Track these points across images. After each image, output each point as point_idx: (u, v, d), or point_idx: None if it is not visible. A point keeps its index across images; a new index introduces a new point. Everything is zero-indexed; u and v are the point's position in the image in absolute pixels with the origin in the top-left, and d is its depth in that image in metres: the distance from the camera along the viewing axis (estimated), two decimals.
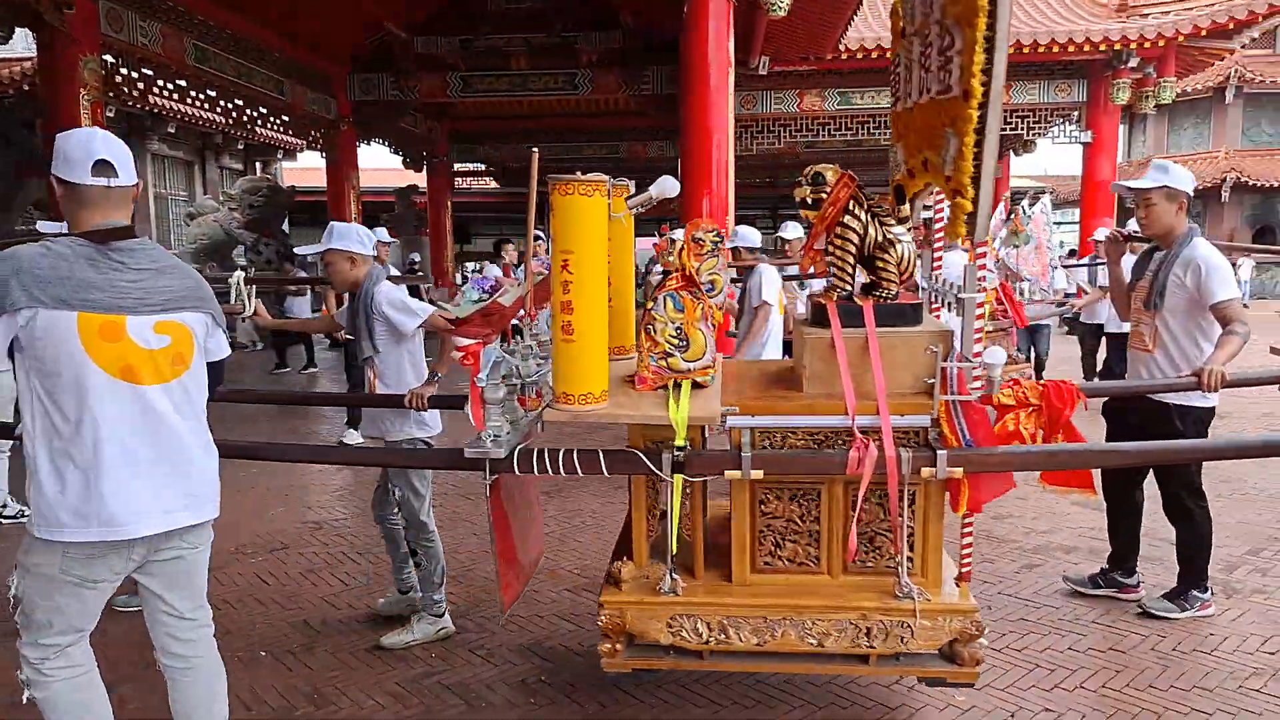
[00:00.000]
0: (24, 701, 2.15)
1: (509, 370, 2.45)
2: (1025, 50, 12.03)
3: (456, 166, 18.36)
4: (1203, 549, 3.47)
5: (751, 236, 5.63)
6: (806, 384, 2.52)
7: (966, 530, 2.59)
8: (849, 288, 2.60)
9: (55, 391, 2.01)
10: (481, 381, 2.41)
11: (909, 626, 2.44)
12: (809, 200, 2.61)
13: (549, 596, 3.85)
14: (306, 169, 22.57)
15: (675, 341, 2.55)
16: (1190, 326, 3.30)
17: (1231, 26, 12.35)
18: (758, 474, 2.38)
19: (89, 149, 2.05)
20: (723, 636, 2.48)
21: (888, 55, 12.62)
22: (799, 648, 2.47)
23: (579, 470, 2.44)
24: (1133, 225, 3.78)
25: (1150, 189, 3.31)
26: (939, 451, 2.33)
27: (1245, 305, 4.14)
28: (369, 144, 13.79)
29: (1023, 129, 13.72)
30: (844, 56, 12.21)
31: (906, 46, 2.69)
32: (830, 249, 2.60)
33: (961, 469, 2.35)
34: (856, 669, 2.56)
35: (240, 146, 18.43)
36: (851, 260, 2.58)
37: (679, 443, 2.34)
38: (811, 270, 4.98)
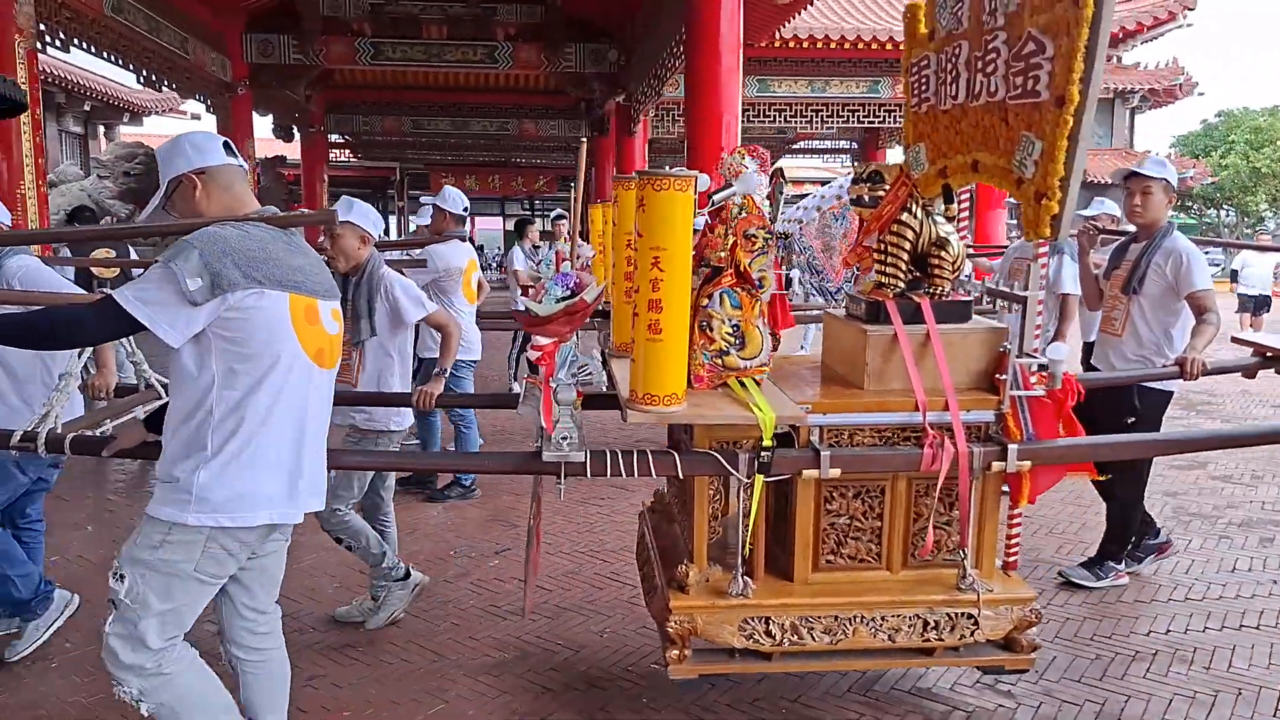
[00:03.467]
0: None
1: (580, 369, 2.33)
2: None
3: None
4: (1130, 526, 3.77)
5: None
6: (868, 381, 2.53)
7: (1015, 520, 2.68)
8: (901, 285, 2.63)
9: (250, 374, 1.93)
10: (556, 382, 2.28)
11: (973, 618, 2.50)
12: (865, 198, 2.62)
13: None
14: (151, 135, 20.71)
15: (732, 339, 2.51)
16: (1161, 313, 3.57)
17: (1120, 36, 13.49)
18: (835, 472, 2.37)
19: (206, 135, 2.06)
20: (795, 637, 2.46)
21: (818, 45, 12.95)
22: (871, 644, 2.48)
23: (653, 472, 2.35)
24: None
25: (1154, 178, 3.55)
26: (1010, 446, 2.40)
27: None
28: (264, 113, 12.87)
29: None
30: (777, 45, 12.21)
31: (942, 49, 2.75)
32: (885, 246, 2.62)
33: (1029, 462, 2.43)
34: (921, 662, 2.60)
35: (86, 108, 16.69)
36: (905, 258, 2.61)
37: (766, 443, 2.29)
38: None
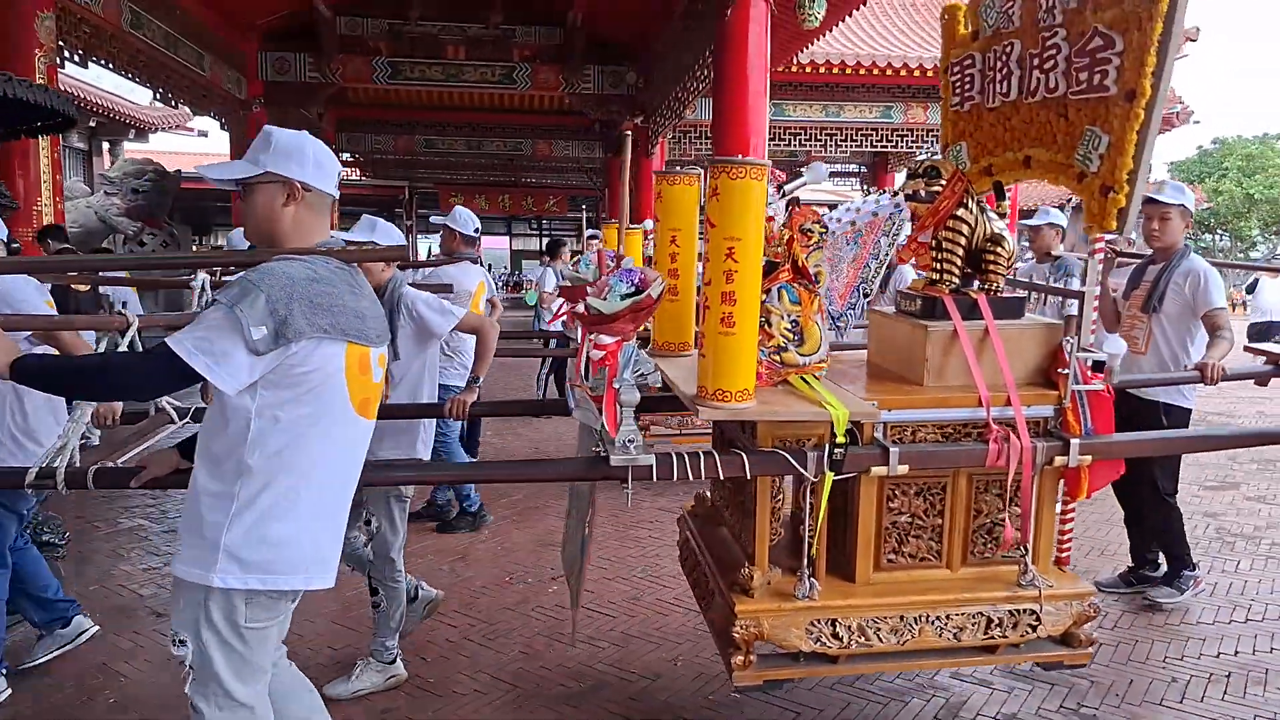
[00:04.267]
0: None
1: (641, 370, 2.27)
2: (929, 74, 12.84)
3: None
4: (1180, 535, 3.83)
5: None
6: (928, 377, 2.51)
7: (1068, 515, 2.68)
8: (956, 281, 2.62)
9: (297, 428, 1.80)
10: (619, 383, 2.21)
11: (1035, 614, 2.49)
12: (922, 193, 2.60)
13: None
14: (158, 151, 20.18)
15: (790, 335, 2.48)
16: (1180, 331, 3.65)
17: None
18: (903, 469, 2.34)
19: (332, 158, 1.93)
20: (862, 639, 2.41)
21: (834, 70, 13.04)
22: (936, 644, 2.45)
23: (720, 473, 2.30)
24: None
25: (1172, 204, 3.62)
26: (1072, 440, 2.40)
27: None
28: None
29: (932, 147, 14.76)
30: (793, 70, 12.35)
31: (988, 47, 2.76)
32: (941, 242, 2.61)
33: (1090, 457, 2.43)
34: (983, 660, 2.58)
35: (91, 124, 16.07)
36: (961, 254, 2.60)
37: (840, 440, 2.25)
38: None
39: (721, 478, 2.31)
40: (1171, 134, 24.96)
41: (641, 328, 2.33)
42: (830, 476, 2.29)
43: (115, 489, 2.15)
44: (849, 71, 12.80)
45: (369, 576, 3.15)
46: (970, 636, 2.46)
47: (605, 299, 2.14)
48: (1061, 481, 2.56)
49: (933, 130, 14.11)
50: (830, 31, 10.36)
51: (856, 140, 14.24)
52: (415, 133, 15.98)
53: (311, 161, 1.89)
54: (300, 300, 1.75)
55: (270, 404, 1.78)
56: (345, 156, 17.53)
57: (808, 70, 12.58)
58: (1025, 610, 2.48)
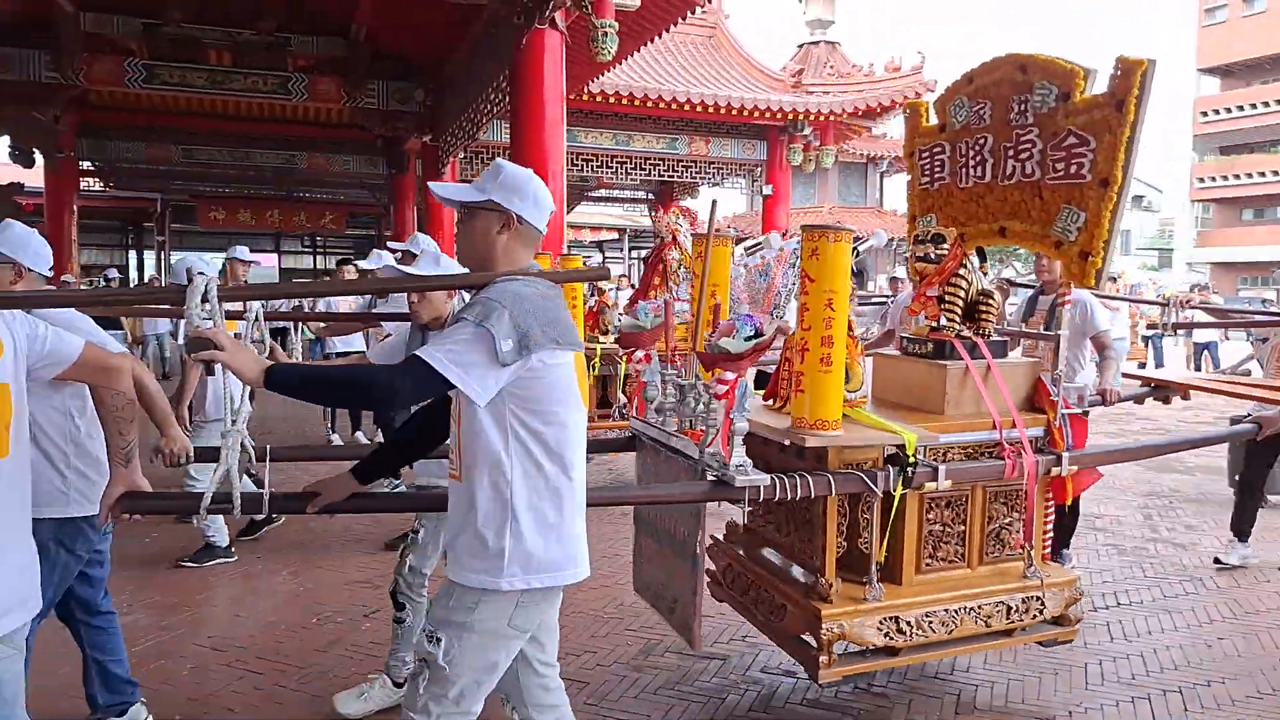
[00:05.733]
0: None
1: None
2: (721, 111, 14.04)
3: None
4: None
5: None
6: (948, 407, 3.02)
7: (1048, 518, 3.26)
8: (958, 327, 3.16)
9: (547, 433, 1.95)
10: (736, 415, 2.53)
11: (1041, 600, 3.02)
12: (931, 255, 3.14)
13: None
14: None
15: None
16: (1074, 349, 4.41)
17: (877, 110, 15.74)
18: (947, 484, 2.81)
19: (549, 198, 2.07)
20: (920, 631, 2.83)
21: (623, 101, 13.62)
22: (973, 631, 2.91)
23: (813, 492, 2.65)
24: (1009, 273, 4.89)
25: None
26: (1064, 454, 2.98)
27: None
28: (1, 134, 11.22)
29: (714, 178, 15.93)
30: (584, 98, 12.73)
31: (959, 139, 3.39)
32: (945, 296, 3.15)
33: (1077, 467, 3.01)
34: (1003, 643, 3.07)
35: None
36: (961, 305, 3.16)
37: (910, 460, 2.68)
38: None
39: (812, 495, 2.66)
40: None
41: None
42: (900, 491, 2.72)
43: (292, 512, 2.16)
44: (637, 103, 13.65)
45: (395, 593, 3.19)
46: (996, 623, 2.95)
47: (734, 340, 2.47)
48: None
49: (714, 162, 15.43)
50: (621, 64, 11.05)
51: (645, 169, 15.24)
52: (172, 141, 14.75)
53: (531, 198, 2.04)
54: (536, 315, 1.90)
55: (521, 411, 1.93)
56: (86, 165, 15.99)
57: (599, 99, 13.24)
58: (1034, 598, 3.01)
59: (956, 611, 2.89)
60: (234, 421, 2.12)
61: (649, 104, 13.77)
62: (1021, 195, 3.14)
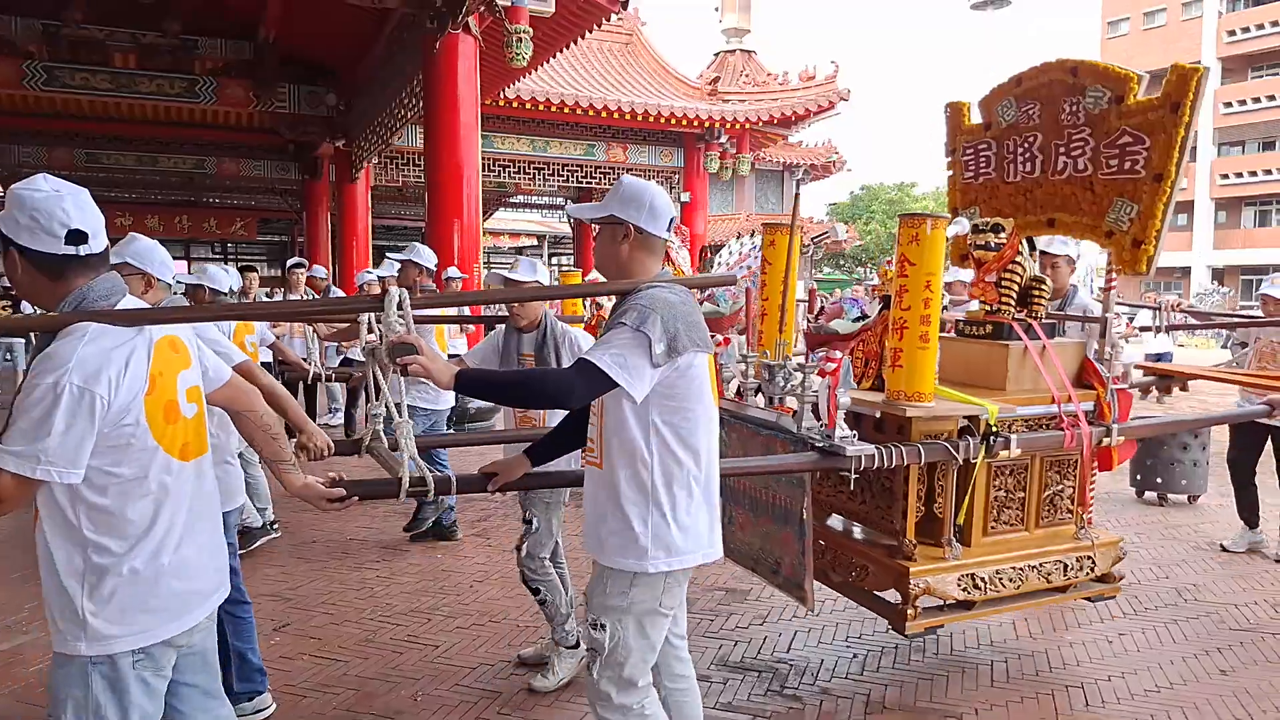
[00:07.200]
0: None
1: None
2: (638, 118, 14.18)
3: None
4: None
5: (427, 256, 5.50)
6: (1010, 384, 3.27)
7: (1091, 484, 3.55)
8: (1013, 311, 3.42)
9: (684, 427, 2.10)
10: (842, 391, 2.74)
11: (1091, 559, 3.31)
12: (991, 244, 3.39)
13: None
14: None
15: None
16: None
17: (793, 118, 16.14)
18: (1018, 452, 3.07)
19: (668, 207, 2.18)
20: (993, 587, 3.09)
21: (539, 107, 13.50)
22: (1036, 586, 3.18)
23: (904, 461, 2.88)
24: None
25: (1060, 255, 4.71)
26: (1114, 426, 3.26)
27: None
28: None
29: None
30: (500, 104, 12.85)
31: (1006, 136, 3.65)
32: (1003, 281, 3.41)
33: (1124, 438, 3.31)
34: (1058, 599, 3.35)
35: None
36: (1017, 290, 3.42)
37: (994, 430, 2.93)
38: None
39: (904, 464, 2.88)
40: (830, 180, 29.36)
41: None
42: (983, 458, 2.97)
43: (474, 491, 2.29)
44: (554, 109, 13.80)
45: (525, 581, 3.38)
46: (1055, 579, 3.23)
47: (843, 321, 2.68)
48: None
49: (632, 169, 15.44)
50: (538, 70, 11.06)
51: (563, 175, 15.31)
52: (75, 145, 14.38)
53: (648, 208, 2.16)
54: (681, 320, 2.06)
55: (662, 407, 2.08)
56: None
57: (515, 105, 13.37)
58: (1085, 557, 3.30)
59: (1022, 569, 3.16)
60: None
61: (566, 110, 13.85)
62: (1072, 189, 3.41)
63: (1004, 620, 3.96)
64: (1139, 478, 6.30)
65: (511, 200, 22.00)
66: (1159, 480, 6.16)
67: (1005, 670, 3.55)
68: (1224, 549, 5.13)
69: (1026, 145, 3.57)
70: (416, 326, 2.11)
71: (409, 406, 5.06)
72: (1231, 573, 4.77)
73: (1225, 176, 39.21)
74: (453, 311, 4.83)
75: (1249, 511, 5.20)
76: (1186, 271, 38.48)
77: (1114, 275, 3.34)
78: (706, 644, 3.77)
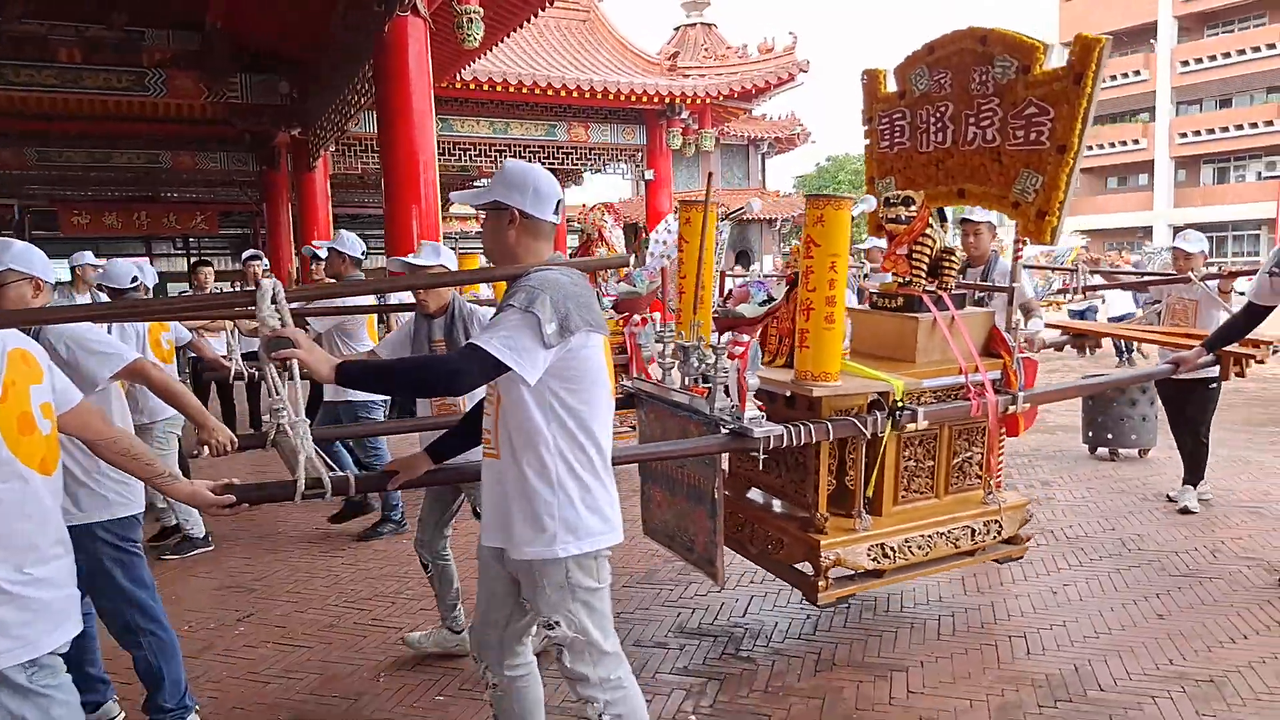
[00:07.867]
0: None
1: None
2: (597, 96, 13.90)
3: None
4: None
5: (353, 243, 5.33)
6: (919, 356, 3.32)
7: (1000, 450, 3.65)
8: (924, 283, 3.46)
9: (581, 409, 2.09)
10: (750, 373, 2.75)
11: (999, 523, 3.41)
12: (902, 217, 3.41)
13: None
14: None
15: None
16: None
17: (753, 91, 15.97)
18: (925, 424, 3.13)
19: (552, 189, 2.14)
20: (902, 555, 3.17)
21: (497, 88, 13.24)
22: (945, 553, 3.28)
23: (813, 438, 2.91)
24: None
25: (981, 222, 4.78)
26: (1018, 393, 3.34)
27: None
28: None
29: (595, 164, 15.79)
30: (458, 86, 12.56)
31: (919, 105, 3.65)
32: (914, 254, 3.43)
33: (1029, 405, 3.39)
34: (967, 563, 3.45)
35: None
36: (928, 263, 3.45)
37: (900, 404, 2.98)
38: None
39: (814, 441, 2.92)
40: (795, 152, 29.43)
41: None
42: (890, 431, 3.02)
43: (375, 490, 2.27)
44: (512, 90, 13.47)
45: (420, 557, 3.42)
46: (964, 544, 3.33)
47: (749, 305, 2.68)
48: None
49: (595, 148, 15.25)
50: (492, 50, 10.78)
51: (525, 156, 14.79)
52: (25, 144, 13.80)
53: (530, 191, 2.11)
54: (572, 300, 2.02)
55: (560, 390, 2.06)
56: None
57: (472, 87, 13.00)
58: (993, 522, 3.40)
59: (931, 536, 3.25)
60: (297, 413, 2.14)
61: (525, 90, 13.52)
62: (981, 160, 3.43)
63: (951, 577, 4.04)
64: (1090, 434, 6.44)
65: (475, 184, 21.38)
66: (1109, 436, 6.32)
67: (951, 624, 3.62)
68: (1169, 499, 5.29)
69: (939, 115, 3.58)
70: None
71: (345, 401, 5.04)
72: (1175, 521, 4.91)
73: (1184, 135, 39.52)
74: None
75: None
76: (1149, 231, 39.00)
77: (1021, 245, 3.39)
78: (665, 613, 3.83)
